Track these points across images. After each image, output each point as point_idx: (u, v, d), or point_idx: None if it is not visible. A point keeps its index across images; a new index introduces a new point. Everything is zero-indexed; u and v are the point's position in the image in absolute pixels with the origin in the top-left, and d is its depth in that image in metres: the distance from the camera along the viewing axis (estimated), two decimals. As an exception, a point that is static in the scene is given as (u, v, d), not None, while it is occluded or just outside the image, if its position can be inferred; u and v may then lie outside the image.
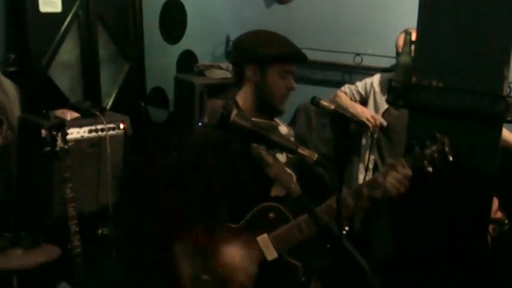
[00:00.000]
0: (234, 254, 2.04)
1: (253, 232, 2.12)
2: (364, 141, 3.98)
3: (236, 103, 2.28)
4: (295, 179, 2.23)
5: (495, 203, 2.94)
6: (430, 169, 2.12)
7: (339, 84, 4.23)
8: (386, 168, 2.17)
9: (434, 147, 2.15)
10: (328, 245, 2.11)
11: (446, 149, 2.15)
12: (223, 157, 2.15)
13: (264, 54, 2.23)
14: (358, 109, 3.86)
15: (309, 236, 2.11)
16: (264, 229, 2.13)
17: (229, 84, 4.74)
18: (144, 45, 5.54)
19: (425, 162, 2.14)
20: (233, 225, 2.14)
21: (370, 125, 3.77)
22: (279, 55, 2.24)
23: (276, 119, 2.39)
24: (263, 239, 2.12)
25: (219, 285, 2.05)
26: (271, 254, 2.11)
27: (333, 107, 2.37)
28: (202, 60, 5.08)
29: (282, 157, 2.25)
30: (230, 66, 4.85)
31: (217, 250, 2.02)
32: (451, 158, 2.15)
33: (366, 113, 3.81)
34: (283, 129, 2.40)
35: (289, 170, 2.22)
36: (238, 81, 2.32)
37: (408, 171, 2.12)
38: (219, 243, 2.03)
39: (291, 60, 2.30)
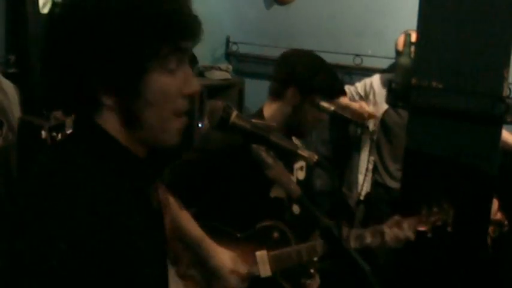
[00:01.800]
0: (226, 254, 2.04)
1: (253, 245, 2.14)
2: (363, 142, 3.98)
3: (261, 114, 2.27)
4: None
5: (495, 204, 2.95)
6: (430, 235, 2.21)
7: (338, 86, 4.23)
8: (392, 222, 2.23)
9: (439, 216, 2.23)
10: (328, 247, 2.11)
11: (449, 220, 2.22)
12: (226, 159, 2.15)
13: (311, 84, 2.20)
14: (356, 106, 3.84)
15: (307, 263, 2.17)
16: (264, 246, 2.15)
17: (229, 85, 4.78)
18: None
19: (428, 227, 2.22)
20: (236, 234, 2.15)
21: (371, 123, 3.78)
22: (325, 89, 2.22)
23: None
24: (261, 255, 2.14)
25: (204, 285, 2.04)
26: (265, 271, 2.13)
27: (332, 108, 2.37)
28: (202, 61, 5.08)
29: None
30: (230, 67, 4.86)
31: (214, 252, 2.01)
32: (449, 229, 2.22)
33: (365, 108, 3.80)
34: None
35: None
36: (275, 96, 2.28)
37: (411, 236, 2.20)
38: (218, 246, 2.03)
39: (336, 95, 2.29)
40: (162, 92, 1.11)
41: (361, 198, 3.86)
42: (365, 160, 3.87)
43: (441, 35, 2.32)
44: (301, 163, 2.33)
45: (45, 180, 1.05)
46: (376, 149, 3.85)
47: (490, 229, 2.86)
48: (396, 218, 2.23)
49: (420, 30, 2.37)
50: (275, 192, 2.24)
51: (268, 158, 1.64)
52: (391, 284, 2.58)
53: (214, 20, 5.12)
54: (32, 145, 3.64)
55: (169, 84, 1.12)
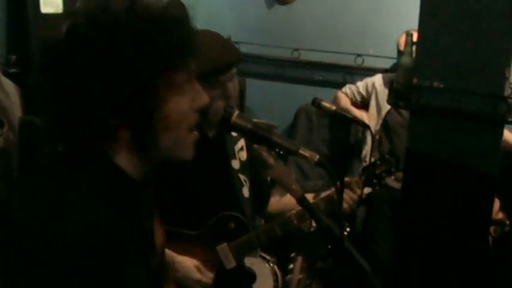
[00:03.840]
0: (190, 263, 2.03)
1: (212, 241, 2.12)
2: (365, 142, 3.98)
3: None
4: (249, 184, 2.23)
5: (496, 204, 2.95)
6: (378, 188, 2.39)
7: (340, 85, 4.23)
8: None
9: (382, 167, 2.31)
10: (329, 247, 2.11)
11: (393, 169, 2.32)
12: (221, 159, 2.14)
13: None
14: (356, 113, 3.85)
15: (267, 246, 2.18)
16: (223, 238, 2.13)
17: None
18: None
19: (375, 181, 2.32)
20: (192, 233, 2.10)
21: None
22: None
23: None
24: (222, 248, 2.12)
25: None
26: (229, 263, 2.11)
27: (333, 108, 2.37)
28: (203, 61, 5.07)
29: (236, 163, 2.24)
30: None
31: (178, 264, 2.00)
32: (393, 177, 2.40)
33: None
34: None
35: (242, 176, 2.22)
36: None
37: (354, 196, 2.29)
38: (177, 250, 2.01)
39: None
40: (175, 112, 1.13)
41: (363, 198, 3.85)
42: (366, 160, 3.87)
43: (442, 34, 2.31)
44: (241, 142, 2.30)
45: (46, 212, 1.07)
46: (378, 148, 3.84)
47: (492, 229, 2.85)
48: (346, 180, 2.30)
49: (421, 30, 2.37)
50: (276, 192, 2.24)
51: (269, 158, 1.64)
52: (392, 283, 2.58)
53: (216, 20, 5.11)
54: (33, 145, 3.64)
55: (181, 103, 1.14)
